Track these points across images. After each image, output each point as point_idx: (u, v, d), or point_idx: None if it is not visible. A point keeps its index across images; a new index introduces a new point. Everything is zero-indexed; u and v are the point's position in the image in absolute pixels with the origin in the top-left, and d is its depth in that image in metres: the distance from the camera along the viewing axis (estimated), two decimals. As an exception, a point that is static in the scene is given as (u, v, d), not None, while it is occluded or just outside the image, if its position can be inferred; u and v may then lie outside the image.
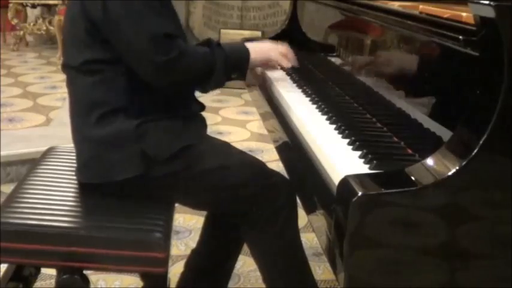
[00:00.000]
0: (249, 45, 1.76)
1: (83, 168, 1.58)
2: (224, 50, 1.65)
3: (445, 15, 1.24)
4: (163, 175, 1.53)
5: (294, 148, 1.55)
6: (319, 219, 1.22)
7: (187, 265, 1.89)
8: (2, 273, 1.62)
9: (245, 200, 1.58)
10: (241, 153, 1.69)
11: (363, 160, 1.22)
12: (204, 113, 1.72)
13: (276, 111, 1.83)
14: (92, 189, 1.57)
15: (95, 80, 1.54)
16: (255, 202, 1.57)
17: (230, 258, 1.87)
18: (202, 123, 1.68)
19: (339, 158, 1.25)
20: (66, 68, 1.62)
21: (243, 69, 1.73)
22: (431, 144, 1.13)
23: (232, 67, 1.68)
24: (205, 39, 1.73)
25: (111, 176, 1.51)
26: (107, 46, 1.51)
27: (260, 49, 1.79)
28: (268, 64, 1.85)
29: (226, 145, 1.71)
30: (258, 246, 1.64)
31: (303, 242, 1.67)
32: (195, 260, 1.88)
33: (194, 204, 1.71)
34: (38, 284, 1.98)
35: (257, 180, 1.59)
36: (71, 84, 1.62)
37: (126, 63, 1.52)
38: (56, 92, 4.53)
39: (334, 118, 1.52)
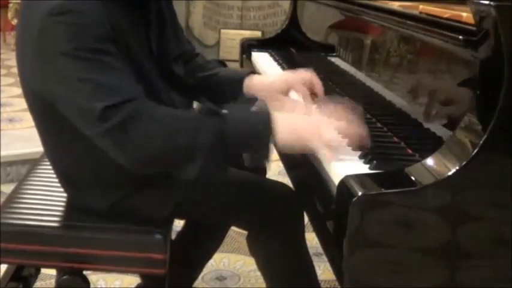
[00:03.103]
0: (280, 118, 1.19)
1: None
2: (226, 123, 1.17)
3: (445, 15, 1.24)
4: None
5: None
6: (319, 219, 1.22)
7: None
8: (2, 273, 1.62)
9: (249, 220, 1.52)
10: (240, 174, 1.50)
11: (363, 160, 1.22)
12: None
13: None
14: None
15: (58, 149, 1.41)
16: (260, 220, 1.49)
17: (204, 251, 1.83)
18: None
19: (339, 158, 1.24)
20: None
21: (260, 152, 1.19)
22: (431, 144, 1.13)
23: (237, 147, 1.21)
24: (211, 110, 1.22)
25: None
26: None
27: (301, 126, 1.19)
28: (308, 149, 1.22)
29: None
30: (262, 254, 1.58)
31: (302, 242, 1.65)
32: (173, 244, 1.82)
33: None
34: (38, 284, 1.98)
35: (260, 201, 1.48)
36: (41, 141, 1.47)
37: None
38: (56, 92, 4.53)
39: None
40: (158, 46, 1.43)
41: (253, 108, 1.26)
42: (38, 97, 1.32)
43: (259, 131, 1.17)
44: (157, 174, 1.33)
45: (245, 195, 1.48)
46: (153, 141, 1.18)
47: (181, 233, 1.85)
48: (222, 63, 1.77)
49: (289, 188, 1.59)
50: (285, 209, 1.51)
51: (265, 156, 1.19)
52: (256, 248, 1.58)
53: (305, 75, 1.53)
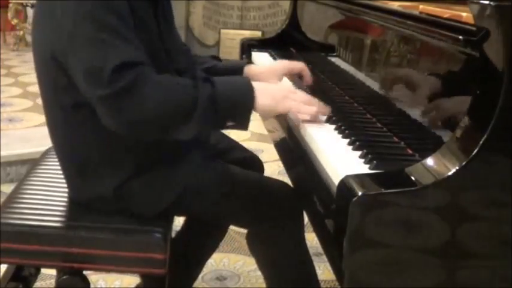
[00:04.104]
0: (257, 85, 1.35)
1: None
2: (215, 87, 1.28)
3: (445, 15, 1.24)
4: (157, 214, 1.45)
5: (294, 148, 1.55)
6: (319, 219, 1.22)
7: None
8: (2, 273, 1.62)
9: (249, 219, 1.52)
10: (241, 172, 1.55)
11: (363, 160, 1.22)
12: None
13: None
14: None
15: (66, 130, 1.41)
16: (259, 218, 1.51)
17: (206, 252, 1.84)
18: (198, 153, 1.48)
19: (339, 158, 1.25)
20: (43, 103, 1.47)
21: (243, 116, 1.32)
22: (431, 144, 1.13)
23: (225, 110, 1.30)
24: (207, 65, 1.47)
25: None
26: (69, 84, 1.33)
27: (271, 93, 1.37)
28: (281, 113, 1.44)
29: (225, 168, 1.52)
30: (262, 253, 1.59)
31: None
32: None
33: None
34: (38, 284, 1.98)
35: (261, 199, 1.50)
36: (48, 124, 1.48)
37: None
38: (56, 92, 4.53)
39: (334, 118, 1.52)
40: (164, 32, 1.45)
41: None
42: (50, 63, 1.33)
43: (244, 96, 1.32)
44: (161, 160, 1.37)
45: (246, 193, 1.49)
46: (156, 104, 1.24)
47: (180, 233, 1.85)
48: (217, 58, 1.80)
49: (289, 186, 1.59)
50: (285, 208, 1.52)
51: (246, 121, 1.33)
52: (256, 246, 1.60)
53: (299, 64, 1.68)
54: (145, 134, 1.31)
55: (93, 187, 1.43)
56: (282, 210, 1.51)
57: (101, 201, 1.44)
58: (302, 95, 1.44)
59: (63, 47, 1.28)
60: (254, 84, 1.35)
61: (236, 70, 1.68)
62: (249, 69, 1.68)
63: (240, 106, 1.32)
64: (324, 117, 1.45)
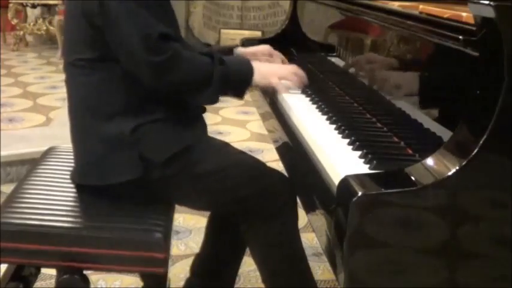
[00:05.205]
0: (256, 64, 1.68)
1: (79, 170, 1.58)
2: (226, 65, 1.58)
3: (445, 15, 1.24)
4: (162, 177, 1.52)
5: (294, 148, 1.55)
6: (319, 219, 1.22)
7: (192, 270, 1.89)
8: (2, 273, 1.62)
9: (245, 199, 1.57)
10: (240, 153, 1.68)
11: (363, 160, 1.22)
12: (204, 120, 1.69)
13: (276, 111, 1.83)
14: (90, 189, 1.57)
15: (92, 79, 1.53)
16: (255, 201, 1.57)
17: (235, 261, 1.86)
18: (202, 124, 1.67)
19: (339, 158, 1.25)
20: (65, 65, 1.61)
21: (242, 90, 1.66)
22: (431, 144, 1.13)
23: (231, 85, 1.61)
24: (207, 50, 1.68)
25: (109, 178, 1.51)
26: (104, 46, 1.49)
27: (267, 70, 1.71)
28: (274, 87, 1.73)
29: (226, 145, 1.69)
30: (257, 245, 1.63)
31: (303, 242, 1.66)
32: (199, 264, 1.88)
33: (194, 205, 1.72)
34: (38, 284, 1.98)
35: (256, 180, 1.58)
36: (69, 83, 1.61)
37: (122, 63, 1.50)
38: (56, 92, 4.52)
39: (334, 118, 1.52)
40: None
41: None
42: (81, 21, 1.50)
43: (246, 70, 1.64)
44: (173, 117, 1.56)
45: (244, 178, 1.57)
46: (187, 73, 1.53)
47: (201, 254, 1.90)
48: (208, 44, 1.95)
49: (284, 176, 1.65)
50: (280, 197, 1.57)
51: (244, 92, 1.66)
52: (250, 235, 1.63)
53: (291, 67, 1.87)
54: (177, 94, 1.57)
55: (115, 126, 1.51)
56: (277, 199, 1.57)
57: (117, 144, 1.50)
58: (289, 67, 1.81)
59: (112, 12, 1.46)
60: (253, 62, 1.67)
61: (228, 51, 1.91)
62: (238, 50, 1.92)
63: (242, 79, 1.64)
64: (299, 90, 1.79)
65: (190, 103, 1.62)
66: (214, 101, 1.59)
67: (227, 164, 1.59)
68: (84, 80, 1.55)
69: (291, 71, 1.77)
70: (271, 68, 1.77)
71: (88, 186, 1.57)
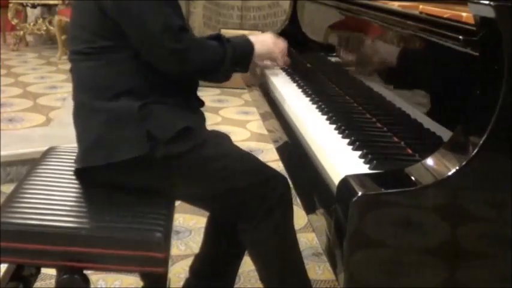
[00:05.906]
0: (252, 38, 1.85)
1: (84, 152, 1.59)
2: (232, 43, 1.73)
3: (445, 15, 1.24)
4: (166, 157, 1.54)
5: (294, 148, 1.55)
6: (319, 219, 1.22)
7: (191, 270, 1.89)
8: (2, 273, 1.62)
9: (242, 193, 1.58)
10: (239, 148, 1.73)
11: (363, 160, 1.22)
12: (204, 113, 1.73)
13: (276, 111, 1.83)
14: (90, 181, 1.57)
15: (100, 63, 1.58)
16: (251, 196, 1.58)
17: (234, 261, 1.87)
18: (202, 115, 1.72)
19: (339, 158, 1.25)
20: (72, 54, 1.66)
21: (247, 62, 1.83)
22: (431, 144, 1.13)
23: (238, 60, 1.76)
24: (215, 33, 1.81)
25: (115, 156, 1.52)
26: (115, 31, 1.55)
27: (263, 42, 1.89)
28: (270, 58, 1.96)
29: (227, 137, 1.78)
30: (253, 243, 1.64)
31: (303, 242, 1.67)
32: (199, 264, 1.88)
33: (192, 195, 1.68)
34: (38, 284, 1.98)
35: (255, 173, 1.62)
36: (75, 68, 1.65)
37: (137, 49, 1.57)
38: (56, 92, 4.52)
39: (334, 118, 1.52)
40: None
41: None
42: (96, 12, 1.56)
43: (246, 42, 1.82)
44: (178, 101, 1.64)
45: (244, 169, 1.62)
46: (202, 59, 1.66)
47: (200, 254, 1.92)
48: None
49: (281, 174, 1.66)
50: (277, 192, 1.60)
51: (248, 65, 1.84)
52: (247, 232, 1.64)
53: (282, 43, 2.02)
54: (195, 76, 1.75)
55: (122, 103, 1.55)
56: (273, 196, 1.59)
57: (123, 120, 1.54)
58: (283, 43, 2.00)
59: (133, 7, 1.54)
60: (253, 38, 1.84)
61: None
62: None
63: (247, 52, 1.82)
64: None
65: (209, 81, 1.85)
66: (229, 76, 1.76)
67: (229, 153, 1.65)
68: (91, 64, 1.60)
69: (283, 46, 1.97)
70: (264, 36, 1.96)
71: (89, 176, 1.58)
